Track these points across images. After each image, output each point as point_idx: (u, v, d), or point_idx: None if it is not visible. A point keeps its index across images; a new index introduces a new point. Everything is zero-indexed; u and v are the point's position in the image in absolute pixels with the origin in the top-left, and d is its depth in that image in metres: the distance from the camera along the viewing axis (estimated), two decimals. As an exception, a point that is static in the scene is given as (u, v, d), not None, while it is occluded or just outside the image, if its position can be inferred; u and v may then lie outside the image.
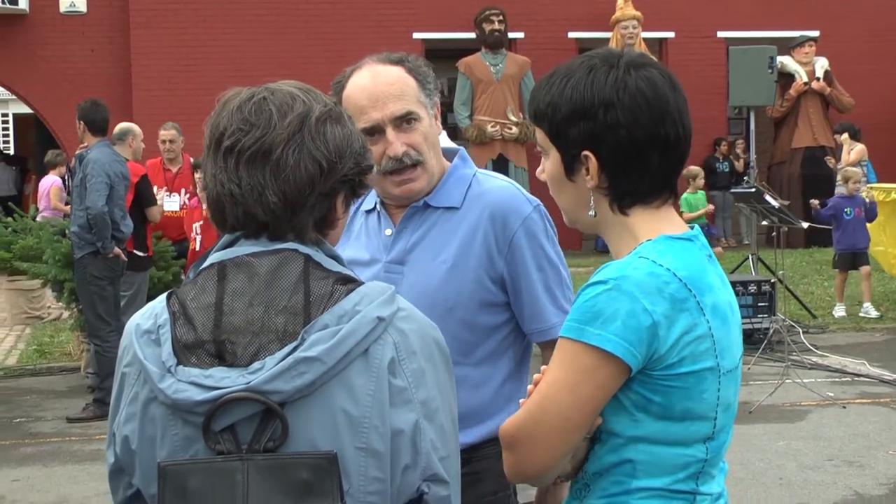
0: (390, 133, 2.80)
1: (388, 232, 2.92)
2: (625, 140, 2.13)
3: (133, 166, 9.53)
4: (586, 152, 2.15)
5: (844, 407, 8.86)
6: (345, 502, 1.90)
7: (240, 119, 2.02)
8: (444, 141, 4.29)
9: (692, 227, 2.23)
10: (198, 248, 10.15)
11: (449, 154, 2.98)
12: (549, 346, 2.94)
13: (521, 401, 2.16)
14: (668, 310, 2.05)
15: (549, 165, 2.24)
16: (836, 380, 9.88)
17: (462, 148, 3.04)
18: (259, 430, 1.90)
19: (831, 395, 9.22)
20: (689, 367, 2.07)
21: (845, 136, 16.45)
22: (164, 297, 2.04)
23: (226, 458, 1.89)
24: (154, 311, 2.01)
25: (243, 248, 2.02)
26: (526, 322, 2.92)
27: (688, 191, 14.70)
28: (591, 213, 2.21)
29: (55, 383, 10.39)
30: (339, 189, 2.06)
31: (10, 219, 12.59)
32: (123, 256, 9.16)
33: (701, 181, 14.84)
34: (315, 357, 1.89)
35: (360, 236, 2.99)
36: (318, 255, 2.02)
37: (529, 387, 2.15)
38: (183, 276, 10.69)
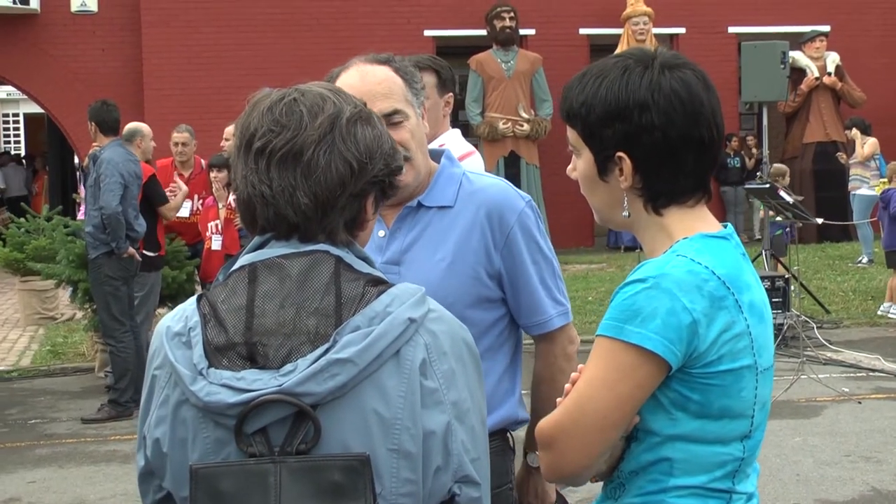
0: None
1: (382, 233, 2.94)
2: (659, 142, 2.13)
3: (142, 167, 9.53)
4: (620, 154, 2.15)
5: (860, 402, 8.83)
6: None
7: (270, 120, 2.01)
8: (458, 139, 4.29)
9: (725, 226, 2.22)
10: (213, 248, 10.15)
11: (435, 155, 3.02)
12: (545, 338, 3.02)
13: (557, 400, 2.16)
14: (707, 308, 2.05)
15: (582, 165, 2.23)
16: (852, 375, 9.85)
17: (448, 149, 3.07)
18: (291, 433, 1.90)
19: (846, 390, 9.20)
20: (728, 365, 2.07)
21: (855, 131, 16.40)
22: (194, 299, 2.03)
23: (258, 460, 1.89)
24: (185, 314, 2.01)
25: (274, 251, 2.01)
26: (523, 316, 2.97)
27: None
28: (625, 213, 2.20)
29: (69, 384, 10.41)
30: (369, 190, 2.05)
31: (22, 219, 12.62)
32: (138, 256, 9.16)
33: (787, 180, 14.49)
34: (347, 359, 1.89)
35: None
36: (349, 257, 2.02)
37: (567, 385, 2.15)
38: (196, 276, 10.70)
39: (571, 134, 2.23)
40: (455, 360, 2.00)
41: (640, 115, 2.12)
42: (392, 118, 2.81)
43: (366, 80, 2.85)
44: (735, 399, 2.10)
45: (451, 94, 4.27)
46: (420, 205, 2.92)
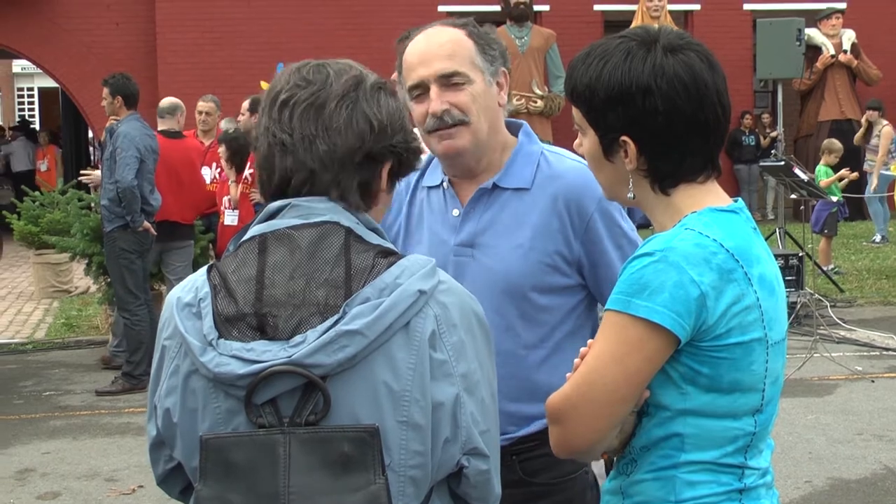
0: (433, 91, 2.79)
1: (456, 212, 2.89)
2: (664, 126, 2.12)
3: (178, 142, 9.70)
4: (625, 138, 2.14)
5: (873, 381, 8.83)
6: (386, 476, 1.90)
7: (297, 77, 2.06)
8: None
9: (736, 201, 2.21)
10: (227, 223, 10.16)
11: (513, 129, 2.95)
12: None
13: (567, 375, 2.15)
14: (715, 280, 2.04)
15: (587, 144, 2.23)
16: (865, 354, 9.84)
17: (525, 122, 3.01)
18: (301, 404, 1.91)
19: (860, 369, 9.19)
20: (737, 338, 2.07)
21: (875, 114, 16.24)
22: (204, 269, 2.04)
23: (268, 431, 1.90)
24: (195, 285, 2.01)
25: (284, 221, 2.02)
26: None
27: (822, 162, 14.18)
28: (630, 195, 2.20)
29: (83, 357, 10.44)
30: (387, 157, 2.07)
31: (37, 192, 12.65)
32: (153, 230, 9.19)
33: (834, 158, 14.28)
34: (356, 330, 1.89)
35: (422, 214, 2.96)
36: (360, 228, 2.03)
37: (576, 360, 2.14)
38: (211, 252, 10.72)
39: (576, 113, 2.22)
40: (465, 331, 2.00)
41: (644, 100, 2.11)
42: (451, 79, 2.78)
43: (430, 42, 2.83)
44: (745, 372, 2.09)
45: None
46: (496, 186, 2.86)
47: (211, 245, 10.71)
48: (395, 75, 3.88)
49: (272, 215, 2.05)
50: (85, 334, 11.47)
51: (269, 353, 1.90)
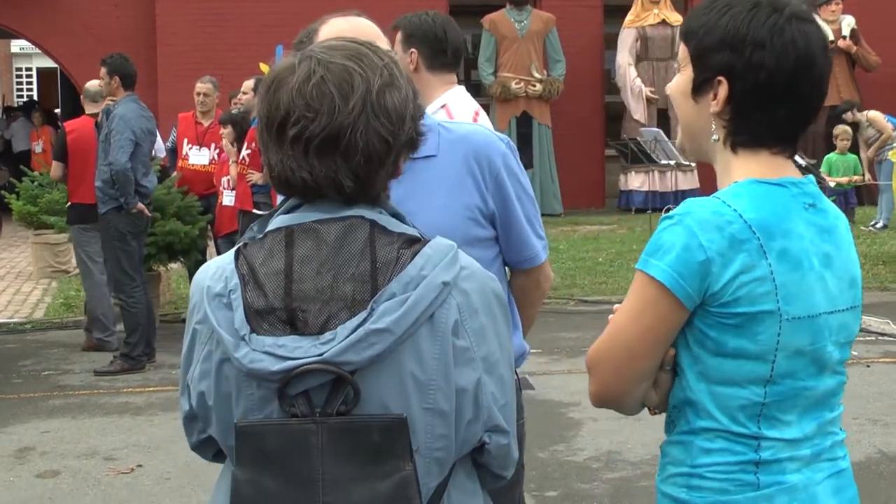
0: None
1: None
2: (763, 83, 2.17)
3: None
4: (721, 78, 2.19)
5: (868, 366, 8.87)
6: (414, 461, 1.97)
7: (302, 105, 2.02)
8: (463, 96, 4.26)
9: (806, 177, 2.26)
10: (225, 203, 10.17)
11: None
12: (532, 272, 3.17)
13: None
14: (724, 247, 2.10)
15: (679, 79, 2.29)
16: (861, 339, 9.86)
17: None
18: (332, 395, 1.97)
19: (856, 353, 9.21)
20: (745, 308, 2.12)
21: (850, 115, 16.21)
22: (231, 256, 2.07)
23: (300, 420, 1.97)
24: (223, 273, 2.05)
25: (309, 215, 2.06)
26: (513, 252, 3.12)
27: (836, 151, 14.14)
28: (714, 137, 2.25)
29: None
30: (402, 151, 2.11)
31: (36, 172, 12.65)
32: (147, 212, 9.22)
33: (844, 143, 14.14)
34: (385, 329, 1.96)
35: None
36: (383, 218, 2.07)
37: (610, 315, 2.25)
38: (209, 233, 10.74)
39: (682, 50, 2.28)
40: (485, 314, 2.07)
41: (753, 53, 2.16)
42: None
43: (355, 25, 2.91)
44: (750, 340, 2.13)
45: (413, 50, 4.02)
46: None
47: (209, 226, 10.73)
48: (413, 55, 3.93)
49: (296, 206, 2.09)
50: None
51: (300, 349, 1.96)
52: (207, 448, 2.21)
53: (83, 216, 9.57)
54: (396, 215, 2.11)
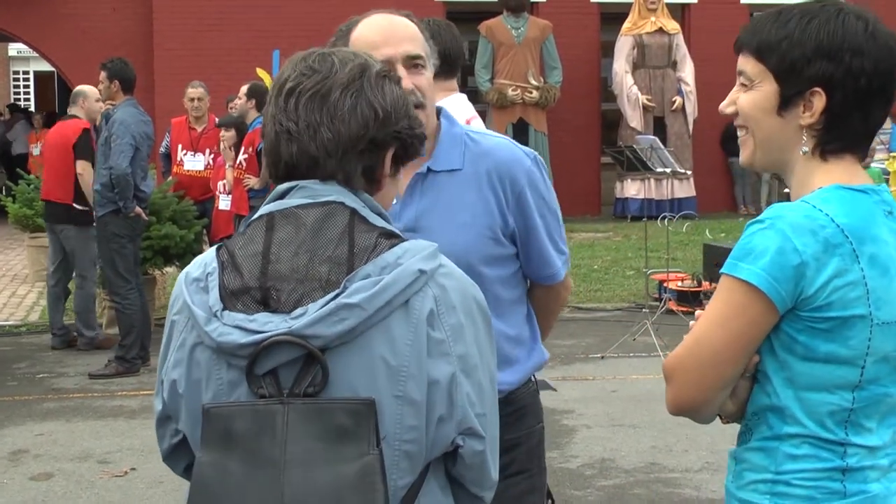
0: (401, 70, 2.82)
1: (394, 201, 2.96)
2: (862, 88, 2.18)
3: (77, 122, 9.76)
4: (818, 89, 2.18)
5: None
6: (380, 448, 1.95)
7: (303, 66, 2.11)
8: (463, 103, 4.28)
9: (881, 185, 2.27)
10: (221, 207, 10.19)
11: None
12: (551, 290, 3.14)
13: (685, 336, 2.24)
14: (818, 252, 2.10)
15: (757, 96, 2.25)
16: None
17: (444, 106, 3.09)
18: (300, 376, 1.97)
19: None
20: (837, 312, 2.12)
21: None
22: (214, 248, 2.12)
23: (267, 401, 1.95)
24: (204, 261, 2.09)
25: (292, 201, 2.08)
26: (534, 269, 3.07)
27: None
28: (804, 149, 2.23)
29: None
30: (390, 143, 2.12)
31: (32, 176, 12.65)
32: (144, 216, 9.26)
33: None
34: (356, 304, 1.95)
35: None
36: (365, 210, 2.08)
37: (691, 322, 2.24)
38: (205, 237, 10.75)
39: (751, 65, 2.26)
40: (464, 315, 2.06)
41: (852, 59, 2.17)
42: (415, 61, 2.84)
43: (392, 23, 2.89)
44: (841, 345, 2.13)
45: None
46: (430, 170, 2.94)
47: (205, 231, 10.74)
48: None
49: (281, 196, 2.11)
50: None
51: (270, 324, 1.97)
52: (179, 456, 2.18)
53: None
54: (381, 214, 2.12)
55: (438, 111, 3.03)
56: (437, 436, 2.04)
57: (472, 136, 3.01)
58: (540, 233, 3.01)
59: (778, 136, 2.25)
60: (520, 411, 3.07)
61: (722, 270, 2.16)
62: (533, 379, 3.16)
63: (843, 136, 2.22)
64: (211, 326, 1.99)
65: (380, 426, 1.96)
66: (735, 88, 2.31)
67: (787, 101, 2.22)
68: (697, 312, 2.24)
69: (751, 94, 2.26)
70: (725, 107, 2.33)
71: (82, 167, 9.67)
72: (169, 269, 11.25)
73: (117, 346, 9.30)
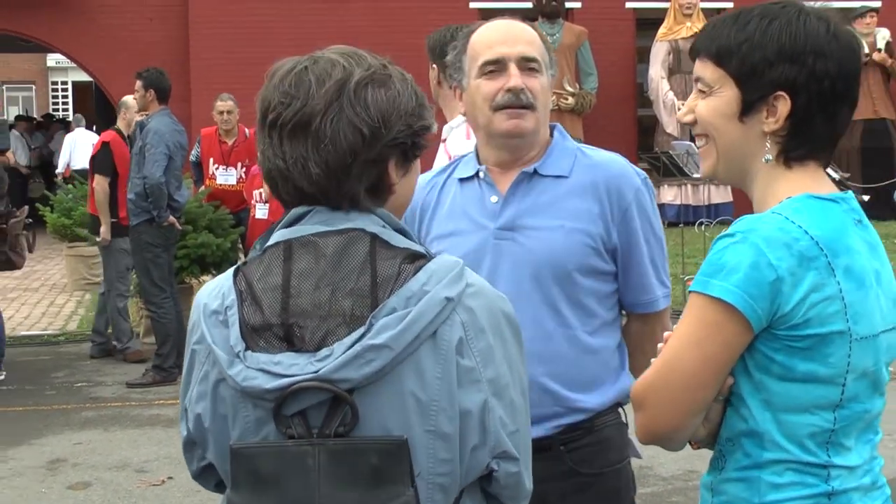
0: (513, 68, 2.85)
1: (494, 199, 2.92)
2: (826, 91, 2.08)
3: (103, 135, 9.93)
4: (782, 93, 2.09)
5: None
6: (415, 485, 1.89)
7: (281, 92, 2.00)
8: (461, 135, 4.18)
9: (845, 193, 2.17)
10: (258, 217, 10.22)
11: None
12: (649, 319, 3.01)
13: (652, 360, 2.13)
14: (794, 266, 1.99)
15: (718, 103, 2.15)
16: (895, 354, 9.78)
17: (558, 123, 3.07)
18: (329, 415, 1.90)
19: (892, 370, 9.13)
20: (815, 329, 2.01)
21: None
22: (231, 273, 2.03)
23: (297, 442, 1.89)
24: (221, 290, 2.00)
25: (309, 228, 2.00)
26: (632, 293, 2.97)
27: None
28: (768, 157, 2.13)
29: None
30: (388, 154, 2.02)
31: (70, 185, 12.74)
32: (178, 225, 9.31)
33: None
34: (383, 344, 1.88)
35: (454, 207, 2.99)
36: (386, 232, 1.99)
37: (660, 345, 2.12)
38: (240, 246, 10.78)
39: (710, 70, 2.15)
40: (493, 334, 1.97)
41: (816, 61, 2.07)
42: (529, 64, 2.85)
43: (511, 25, 2.93)
44: (821, 364, 2.03)
45: (436, 65, 4.03)
46: (536, 172, 2.91)
47: (241, 239, 10.77)
48: (434, 71, 3.90)
49: (296, 220, 2.03)
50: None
51: (296, 366, 1.89)
52: (209, 477, 2.13)
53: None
54: (402, 231, 2.03)
55: (553, 127, 3.01)
56: (470, 463, 1.97)
57: (584, 151, 2.98)
58: (643, 255, 2.92)
59: (740, 144, 2.14)
60: (603, 444, 2.94)
61: (691, 288, 2.05)
62: (622, 412, 3.02)
63: (807, 142, 2.11)
64: (234, 370, 1.92)
65: (413, 462, 1.90)
66: (692, 95, 2.20)
67: (749, 106, 2.11)
68: (666, 334, 2.12)
69: (710, 101, 2.15)
70: (683, 115, 2.22)
71: (97, 181, 9.75)
72: (205, 278, 11.28)
73: (154, 356, 9.34)
